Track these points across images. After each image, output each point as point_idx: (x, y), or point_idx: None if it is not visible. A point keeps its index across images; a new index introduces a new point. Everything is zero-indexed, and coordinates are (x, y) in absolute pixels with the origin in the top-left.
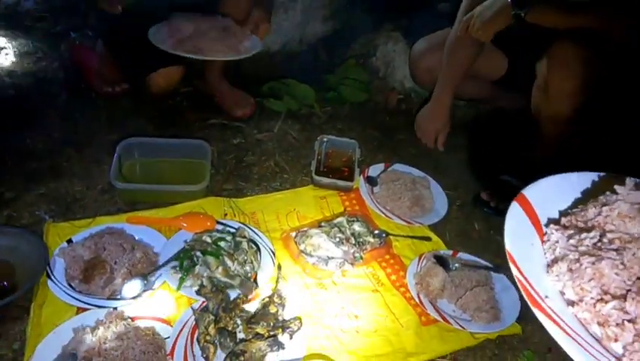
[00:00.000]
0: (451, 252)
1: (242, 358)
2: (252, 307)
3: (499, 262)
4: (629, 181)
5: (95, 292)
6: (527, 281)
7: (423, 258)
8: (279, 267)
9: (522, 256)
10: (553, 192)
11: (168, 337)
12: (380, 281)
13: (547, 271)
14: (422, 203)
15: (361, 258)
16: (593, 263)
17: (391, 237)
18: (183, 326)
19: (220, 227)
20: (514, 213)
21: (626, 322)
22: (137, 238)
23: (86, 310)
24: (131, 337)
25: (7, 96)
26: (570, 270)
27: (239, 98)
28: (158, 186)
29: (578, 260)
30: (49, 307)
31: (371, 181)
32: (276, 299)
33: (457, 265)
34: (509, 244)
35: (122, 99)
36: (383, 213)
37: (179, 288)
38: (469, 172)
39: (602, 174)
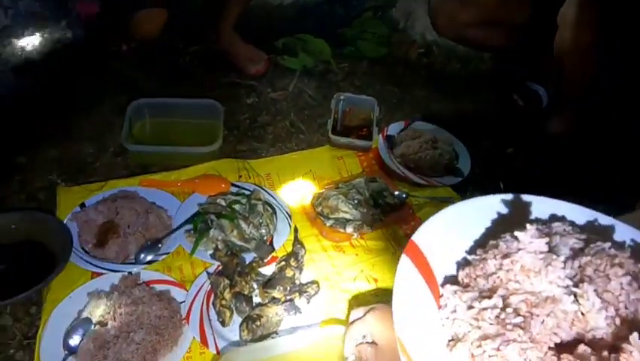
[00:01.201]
0: None
1: (258, 322)
2: (268, 270)
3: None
4: (530, 227)
5: (109, 257)
6: None
7: None
8: (296, 230)
9: (416, 342)
10: (445, 234)
11: (183, 301)
12: (400, 244)
13: (449, 351)
14: (444, 162)
15: (381, 220)
16: (498, 349)
17: (412, 198)
18: (198, 291)
19: (234, 189)
20: (405, 272)
21: None
22: (150, 201)
23: (100, 274)
24: (146, 301)
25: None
26: (472, 356)
27: (252, 55)
28: (171, 148)
29: (479, 344)
30: (64, 271)
31: (390, 140)
32: (292, 263)
33: None
34: (400, 327)
35: (131, 59)
36: (403, 173)
37: (193, 252)
38: (493, 129)
39: (504, 198)
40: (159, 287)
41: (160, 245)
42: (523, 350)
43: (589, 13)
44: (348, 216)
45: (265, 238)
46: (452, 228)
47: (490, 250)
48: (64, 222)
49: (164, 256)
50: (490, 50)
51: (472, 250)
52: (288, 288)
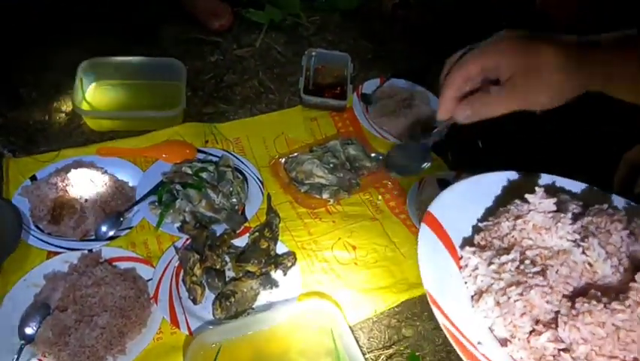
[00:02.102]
0: (454, 173)
1: (232, 299)
2: (240, 242)
3: None
4: (539, 189)
5: (66, 234)
6: (457, 329)
7: (424, 182)
8: (269, 197)
9: (444, 295)
10: (460, 204)
11: (150, 279)
12: (378, 208)
13: (472, 305)
14: (422, 121)
15: (358, 184)
16: (522, 294)
17: None
18: (166, 267)
19: (201, 156)
20: (426, 240)
21: (562, 353)
22: (109, 171)
23: (57, 254)
24: (109, 281)
25: None
26: (498, 304)
27: (215, 8)
28: (130, 113)
29: (504, 292)
30: (16, 252)
31: (366, 99)
32: (266, 233)
33: None
34: (427, 282)
35: (84, 15)
36: (380, 133)
37: (159, 225)
38: None
39: (510, 174)
40: (123, 265)
41: (122, 219)
42: (544, 293)
43: None
44: (323, 181)
45: (236, 207)
46: (464, 199)
47: (503, 214)
48: (15, 196)
49: (127, 231)
50: None
51: (484, 217)
52: (263, 260)
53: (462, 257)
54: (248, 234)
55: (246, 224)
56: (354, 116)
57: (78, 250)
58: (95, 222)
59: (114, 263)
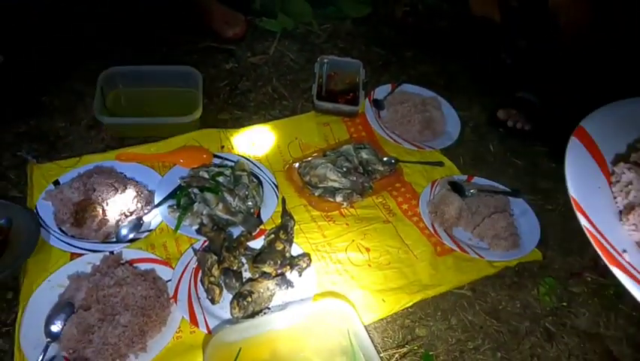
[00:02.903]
0: (465, 177)
1: (249, 299)
2: (257, 244)
3: (517, 185)
4: None
5: (89, 236)
6: (601, 234)
7: (436, 185)
8: (284, 200)
9: (590, 203)
10: (615, 123)
11: (170, 280)
12: (391, 211)
13: (621, 219)
14: (433, 126)
15: (371, 188)
16: None
17: (401, 163)
18: (185, 268)
19: (217, 161)
20: (575, 152)
21: None
22: (128, 176)
23: (80, 255)
24: (131, 282)
25: None
26: None
27: (229, 17)
28: (148, 119)
29: None
30: (41, 253)
31: (377, 104)
32: (282, 235)
33: (472, 191)
34: (573, 189)
35: (101, 25)
36: (392, 138)
37: (177, 228)
38: (482, 90)
39: None
40: (143, 266)
41: (142, 222)
42: None
43: None
44: (336, 184)
45: (252, 210)
46: (620, 118)
47: None
48: (39, 201)
49: (146, 234)
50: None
51: None
52: (279, 262)
53: (614, 172)
54: (264, 236)
55: (262, 227)
56: (366, 121)
57: (100, 251)
58: (116, 225)
59: (134, 264)
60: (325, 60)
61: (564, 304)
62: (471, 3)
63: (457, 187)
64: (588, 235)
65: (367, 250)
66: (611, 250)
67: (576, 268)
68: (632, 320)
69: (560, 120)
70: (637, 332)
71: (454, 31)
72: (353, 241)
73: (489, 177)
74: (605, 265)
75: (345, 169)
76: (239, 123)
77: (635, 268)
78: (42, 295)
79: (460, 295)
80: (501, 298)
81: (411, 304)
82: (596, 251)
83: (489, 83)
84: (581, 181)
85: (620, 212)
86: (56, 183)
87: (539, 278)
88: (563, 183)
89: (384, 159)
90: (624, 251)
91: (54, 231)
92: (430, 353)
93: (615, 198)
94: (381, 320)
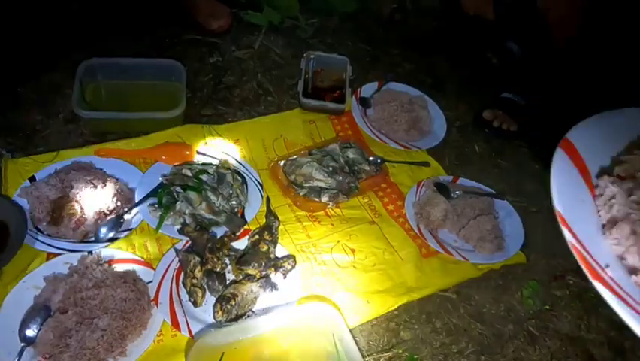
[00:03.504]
0: (451, 178)
1: (233, 302)
2: (240, 245)
3: (502, 187)
4: None
5: (66, 235)
6: (585, 248)
7: (422, 185)
8: (268, 200)
9: (574, 216)
10: (601, 135)
11: (151, 281)
12: (377, 212)
13: (604, 233)
14: (420, 125)
15: (357, 188)
16: None
17: (387, 163)
18: (167, 269)
19: (201, 158)
20: (560, 164)
21: None
22: (108, 172)
23: (56, 255)
24: (110, 284)
25: None
26: (634, 233)
27: (213, 9)
28: (129, 114)
29: None
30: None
31: (364, 102)
32: (266, 236)
33: (458, 192)
34: (559, 202)
35: (80, 14)
36: (378, 137)
37: (159, 227)
38: (469, 90)
39: None
40: (123, 267)
41: (122, 221)
42: None
43: None
44: (322, 184)
45: (236, 209)
46: (605, 131)
47: None
48: (14, 197)
49: (126, 233)
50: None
51: (629, 150)
52: (263, 264)
53: (598, 185)
54: (247, 236)
55: (246, 227)
56: (352, 119)
57: (78, 251)
58: (95, 223)
59: (114, 265)
60: (312, 56)
61: (547, 307)
62: (463, 0)
63: (442, 188)
64: (572, 249)
65: (352, 251)
66: (595, 265)
67: (559, 271)
68: (614, 323)
69: (545, 122)
70: (618, 335)
71: (442, 29)
72: (338, 241)
73: (474, 178)
74: None
75: (331, 169)
76: (223, 119)
77: (616, 283)
78: (16, 298)
79: (444, 298)
80: (485, 301)
81: (396, 306)
82: None
83: (476, 83)
84: (566, 195)
85: (604, 225)
86: (32, 179)
87: (523, 281)
88: (548, 187)
89: (370, 158)
90: (607, 266)
91: (30, 230)
92: (415, 356)
93: (599, 211)
94: (367, 322)
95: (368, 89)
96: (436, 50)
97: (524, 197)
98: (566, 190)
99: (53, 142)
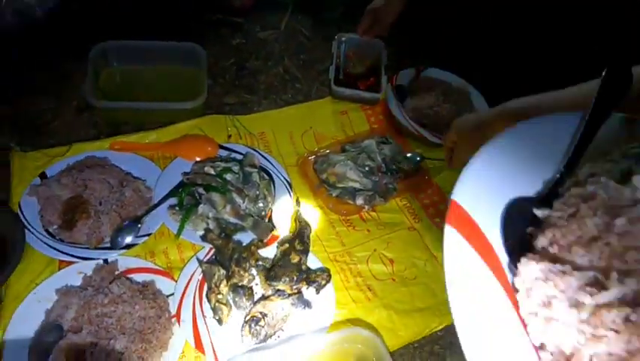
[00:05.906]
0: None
1: (262, 322)
2: (268, 252)
3: None
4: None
5: (79, 241)
6: None
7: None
8: (298, 202)
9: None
10: (498, 180)
11: (172, 294)
12: (417, 216)
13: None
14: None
15: (395, 189)
16: None
17: (427, 160)
18: (189, 281)
19: (223, 153)
20: (451, 249)
21: None
22: (124, 170)
23: (69, 263)
24: (127, 299)
25: None
26: None
27: None
28: (147, 104)
29: None
30: (25, 260)
31: (401, 91)
32: (297, 245)
33: None
34: (459, 323)
35: None
36: (416, 130)
37: (179, 233)
38: (518, 79)
39: (558, 118)
40: (141, 277)
41: (139, 225)
42: None
43: None
44: (357, 185)
45: (263, 213)
46: (501, 172)
47: (579, 200)
48: (23, 197)
49: (144, 239)
50: None
51: (544, 201)
52: (295, 278)
53: (517, 288)
54: (276, 243)
55: (274, 232)
56: (388, 110)
57: (92, 259)
58: (110, 228)
59: (132, 275)
60: (343, 38)
61: None
62: None
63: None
64: None
65: (391, 261)
66: None
67: None
68: None
69: None
70: None
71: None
72: (375, 250)
73: None
74: None
75: (367, 168)
76: (247, 108)
77: None
78: (27, 312)
79: None
80: None
81: (441, 327)
82: None
83: (528, 74)
84: (465, 303)
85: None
86: (43, 175)
87: None
88: None
89: (409, 154)
90: None
91: (40, 233)
92: None
93: (524, 319)
94: (408, 345)
95: (404, 76)
96: (483, 30)
97: None
98: (466, 301)
99: (64, 133)
